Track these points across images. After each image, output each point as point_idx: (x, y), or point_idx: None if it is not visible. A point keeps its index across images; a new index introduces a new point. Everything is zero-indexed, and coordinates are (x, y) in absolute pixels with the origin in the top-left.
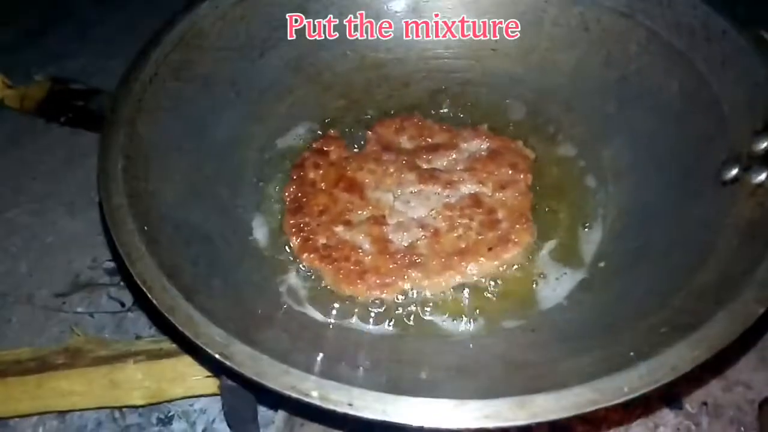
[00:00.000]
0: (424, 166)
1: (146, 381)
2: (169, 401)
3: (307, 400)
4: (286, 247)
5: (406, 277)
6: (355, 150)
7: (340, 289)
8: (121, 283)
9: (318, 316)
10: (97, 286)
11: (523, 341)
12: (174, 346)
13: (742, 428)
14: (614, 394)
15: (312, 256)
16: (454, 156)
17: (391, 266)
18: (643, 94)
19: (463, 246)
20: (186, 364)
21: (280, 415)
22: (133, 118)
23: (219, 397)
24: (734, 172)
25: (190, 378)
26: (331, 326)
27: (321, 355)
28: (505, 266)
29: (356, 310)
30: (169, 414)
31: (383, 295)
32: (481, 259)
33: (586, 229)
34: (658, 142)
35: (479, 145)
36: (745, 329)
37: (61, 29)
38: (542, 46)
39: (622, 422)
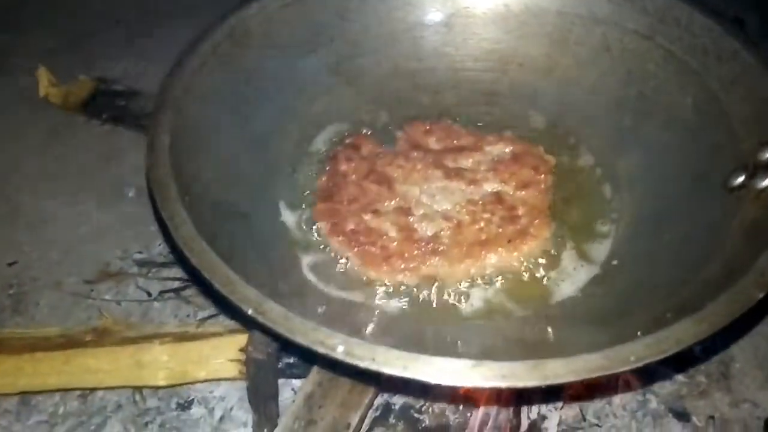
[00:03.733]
0: (450, 165)
1: (171, 362)
2: (192, 383)
3: (333, 354)
4: (315, 231)
5: (429, 263)
6: (386, 148)
7: (366, 271)
8: (149, 274)
9: (343, 294)
10: (126, 275)
11: (536, 326)
12: (199, 330)
13: None
14: (622, 362)
15: (341, 239)
16: (478, 157)
17: (415, 252)
18: (658, 109)
19: (484, 237)
20: (211, 346)
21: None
22: (181, 100)
23: (239, 385)
24: (741, 179)
25: (213, 361)
26: (355, 304)
27: (345, 325)
28: (522, 258)
29: (380, 291)
30: (189, 399)
31: (406, 279)
32: (501, 249)
33: (600, 230)
34: (671, 152)
35: (503, 148)
36: (744, 310)
37: (107, 36)
38: (565, 63)
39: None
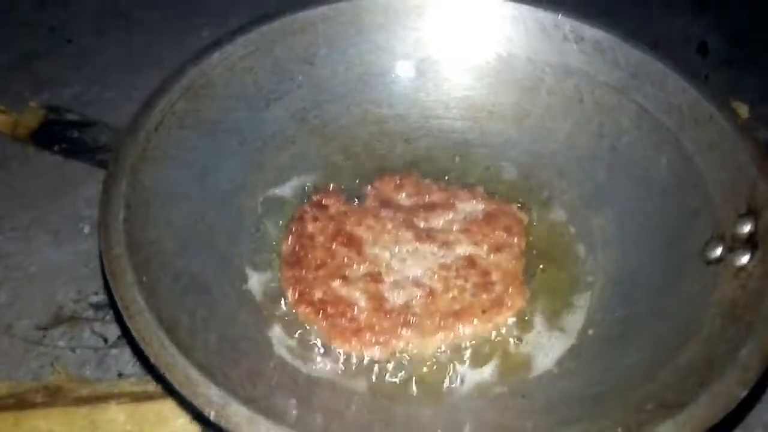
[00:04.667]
0: (422, 225)
1: (128, 424)
2: None
3: None
4: (282, 300)
5: (400, 335)
6: (355, 204)
7: (334, 344)
8: (106, 318)
9: (311, 370)
10: (80, 320)
11: (513, 407)
12: (158, 388)
13: None
14: None
15: (308, 309)
16: (450, 216)
17: (385, 324)
18: (632, 166)
19: (458, 307)
20: (170, 407)
21: None
22: (136, 167)
23: None
24: (719, 251)
25: (173, 422)
26: (323, 382)
27: (316, 415)
28: (497, 330)
29: (349, 367)
30: None
31: (376, 354)
32: (475, 320)
33: (576, 295)
34: (645, 213)
35: (475, 206)
36: (727, 412)
37: (58, 55)
38: (537, 113)
39: None
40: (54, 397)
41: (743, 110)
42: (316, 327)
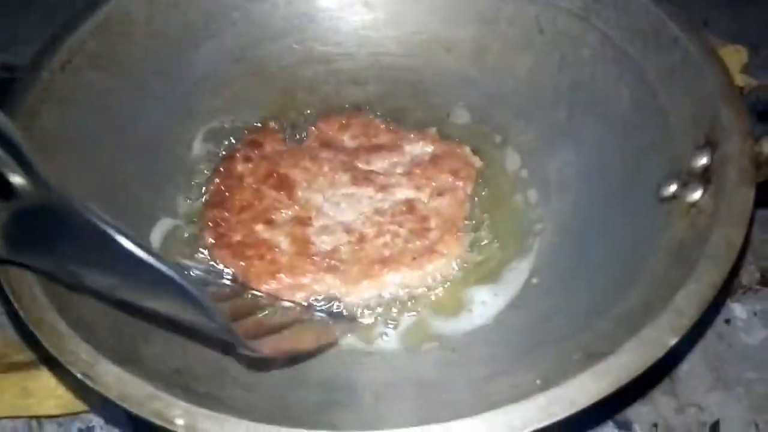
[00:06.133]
0: (362, 167)
1: (60, 389)
2: (88, 412)
3: (172, 428)
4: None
5: (323, 281)
6: (293, 145)
7: (251, 286)
8: None
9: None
10: None
11: (442, 361)
12: None
13: None
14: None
15: (224, 252)
16: (395, 159)
17: (308, 269)
18: (594, 101)
19: (387, 254)
20: None
21: None
22: (35, 109)
23: None
24: (673, 188)
25: None
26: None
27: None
28: (430, 279)
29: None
30: (90, 425)
31: (297, 298)
32: (404, 269)
33: (522, 244)
34: (604, 152)
35: (423, 149)
36: (655, 361)
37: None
38: (496, 47)
39: None
40: None
41: (743, 54)
42: (233, 269)
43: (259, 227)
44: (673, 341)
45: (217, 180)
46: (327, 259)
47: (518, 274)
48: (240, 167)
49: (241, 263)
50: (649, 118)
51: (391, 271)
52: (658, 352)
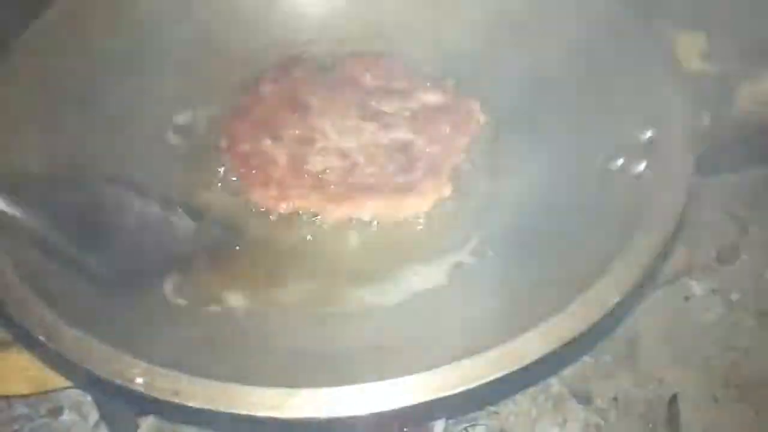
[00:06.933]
0: (374, 105)
1: (31, 370)
2: (58, 390)
3: (132, 387)
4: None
5: (307, 197)
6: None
7: (245, 192)
8: None
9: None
10: None
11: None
12: None
13: (651, 425)
14: (451, 384)
15: (232, 157)
16: (406, 104)
17: (296, 182)
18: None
19: (371, 182)
20: None
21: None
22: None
23: None
24: (621, 161)
25: None
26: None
27: None
28: (404, 216)
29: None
30: (59, 405)
31: (281, 209)
32: (382, 199)
33: (491, 206)
34: (556, 132)
35: (433, 98)
36: (598, 319)
37: None
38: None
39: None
40: None
41: (702, 40)
42: (236, 174)
43: (267, 141)
44: (615, 300)
45: (248, 96)
46: (314, 178)
47: (481, 236)
48: (269, 87)
49: (242, 170)
50: (599, 98)
51: (370, 199)
52: (602, 311)
